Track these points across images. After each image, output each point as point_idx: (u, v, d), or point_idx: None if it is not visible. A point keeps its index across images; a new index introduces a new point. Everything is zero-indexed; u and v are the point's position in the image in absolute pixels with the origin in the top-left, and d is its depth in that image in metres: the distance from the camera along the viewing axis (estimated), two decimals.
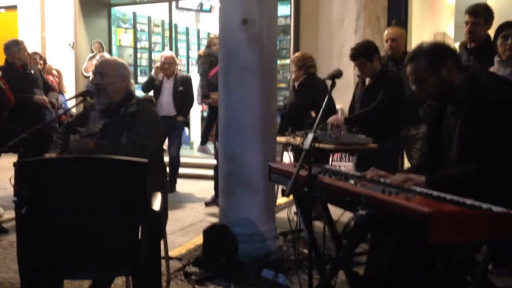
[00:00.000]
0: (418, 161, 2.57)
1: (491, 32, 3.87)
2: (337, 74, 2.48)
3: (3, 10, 9.78)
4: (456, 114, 2.17)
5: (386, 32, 4.63)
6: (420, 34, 7.51)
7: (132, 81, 3.08)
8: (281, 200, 4.95)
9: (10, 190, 5.28)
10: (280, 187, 3.72)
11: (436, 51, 2.14)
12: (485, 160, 1.96)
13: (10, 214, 4.62)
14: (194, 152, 8.28)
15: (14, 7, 9.41)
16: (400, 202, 1.60)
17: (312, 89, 4.72)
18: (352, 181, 1.98)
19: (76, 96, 3.18)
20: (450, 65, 2.10)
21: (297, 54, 5.04)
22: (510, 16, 5.94)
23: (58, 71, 6.14)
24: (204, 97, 6.47)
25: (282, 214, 4.39)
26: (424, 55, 2.13)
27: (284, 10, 7.73)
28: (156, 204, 2.33)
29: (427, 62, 2.11)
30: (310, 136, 2.12)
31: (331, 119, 4.00)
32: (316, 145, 2.14)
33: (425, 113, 3.76)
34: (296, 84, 4.91)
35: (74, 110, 5.22)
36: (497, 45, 3.43)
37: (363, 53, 3.96)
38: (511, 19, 3.59)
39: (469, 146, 2.06)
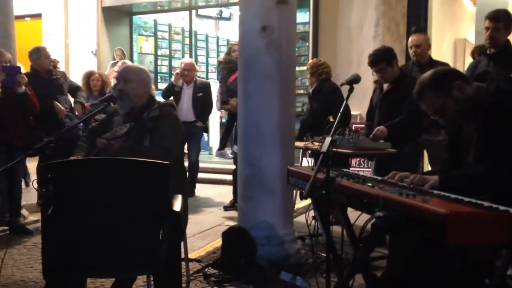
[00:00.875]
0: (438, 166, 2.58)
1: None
2: (355, 79, 2.51)
3: (28, 18, 10.05)
4: (474, 120, 2.18)
5: (410, 39, 4.66)
6: (440, 40, 7.49)
7: (153, 87, 3.16)
8: (299, 204, 4.98)
9: (34, 193, 5.43)
10: (299, 191, 3.75)
11: (438, 78, 2.16)
12: (497, 160, 1.97)
13: (34, 216, 4.74)
14: (213, 157, 8.36)
15: (39, 16, 9.67)
16: (417, 204, 1.63)
17: (324, 95, 4.82)
18: (369, 184, 2.00)
19: (100, 101, 3.27)
20: (457, 84, 2.12)
21: (311, 61, 5.16)
22: None
23: (101, 74, 6.23)
24: (223, 103, 6.54)
25: (300, 219, 4.41)
26: (428, 87, 2.16)
27: (303, 17, 7.78)
28: (177, 206, 2.38)
29: (435, 92, 2.14)
30: (328, 140, 2.15)
31: (377, 132, 3.89)
32: (334, 149, 2.17)
33: None
34: (311, 90, 5.04)
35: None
36: None
37: (383, 58, 3.97)
38: None
39: (486, 150, 2.07)
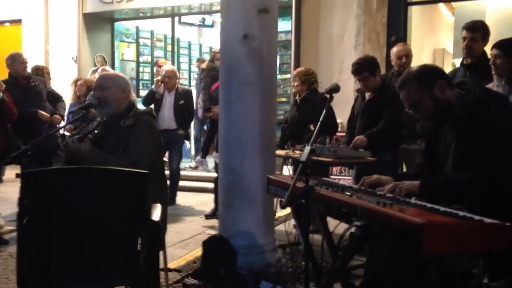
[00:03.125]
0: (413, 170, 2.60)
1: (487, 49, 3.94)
2: (335, 89, 2.53)
3: (7, 24, 9.90)
4: (452, 129, 2.22)
5: (396, 49, 4.68)
6: (419, 50, 7.60)
7: (133, 93, 3.14)
8: (280, 213, 4.97)
9: (11, 202, 5.33)
10: (279, 200, 3.75)
11: (424, 73, 2.19)
12: (480, 170, 2.00)
13: (11, 225, 4.65)
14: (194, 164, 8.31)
15: (18, 21, 9.53)
16: (394, 213, 1.64)
17: (314, 104, 4.77)
18: (348, 193, 2.01)
19: (79, 109, 3.23)
20: (441, 84, 2.15)
21: (300, 69, 5.00)
22: (507, 33, 6.02)
23: (86, 80, 6.23)
24: (206, 111, 6.53)
25: (281, 227, 4.41)
26: (413, 78, 2.18)
27: (285, 26, 7.83)
28: (156, 215, 2.36)
29: (418, 84, 2.16)
30: (308, 149, 2.16)
31: (357, 141, 3.93)
32: (315, 158, 2.18)
33: (422, 127, 3.80)
34: (298, 98, 4.89)
35: None
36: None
37: (366, 66, 4.02)
38: (507, 36, 3.66)
39: (464, 160, 2.10)
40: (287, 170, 4.76)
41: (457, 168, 2.14)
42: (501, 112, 2.10)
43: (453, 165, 2.18)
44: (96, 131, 2.75)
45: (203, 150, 7.17)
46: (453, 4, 8.24)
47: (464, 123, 2.13)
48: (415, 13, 7.20)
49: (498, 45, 3.43)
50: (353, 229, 1.83)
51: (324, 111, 2.48)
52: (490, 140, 2.03)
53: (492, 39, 3.97)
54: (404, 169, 4.81)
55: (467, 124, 2.10)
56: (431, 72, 2.20)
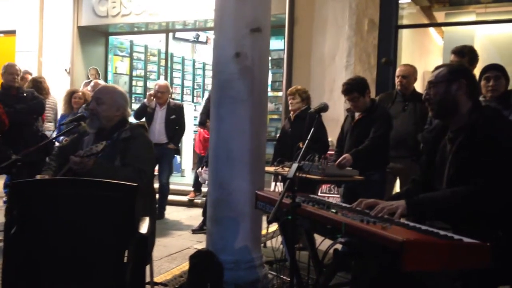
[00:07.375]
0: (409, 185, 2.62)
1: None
2: (323, 108, 2.60)
3: (1, 34, 9.93)
4: (452, 140, 2.26)
5: (398, 68, 4.77)
6: None
7: (129, 110, 3.16)
8: (270, 228, 4.98)
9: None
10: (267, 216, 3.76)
11: (458, 68, 2.31)
12: (475, 183, 2.01)
13: None
14: (185, 179, 8.33)
15: (13, 32, 9.57)
16: (376, 231, 1.68)
17: (311, 121, 4.77)
18: (333, 210, 2.05)
19: (71, 121, 3.26)
20: (462, 84, 2.21)
21: (298, 87, 5.00)
22: (495, 58, 6.17)
23: (84, 93, 6.32)
24: (201, 124, 6.58)
25: (269, 243, 4.43)
26: (448, 66, 2.30)
27: (278, 44, 7.96)
28: (144, 228, 2.38)
29: (446, 72, 2.25)
30: (295, 166, 2.20)
31: (343, 161, 3.93)
32: (303, 175, 2.22)
33: (424, 138, 3.91)
34: (293, 115, 4.89)
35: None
36: (481, 86, 3.60)
37: (356, 87, 4.09)
38: (495, 61, 3.77)
39: (461, 171, 2.13)
40: (277, 187, 4.79)
41: (452, 179, 2.16)
42: (506, 128, 2.15)
43: (448, 176, 2.20)
44: (100, 155, 2.76)
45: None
46: (443, 28, 8.41)
47: (466, 135, 2.15)
48: (406, 36, 7.34)
49: (495, 67, 3.56)
50: (337, 246, 1.86)
51: (312, 129, 2.53)
52: (491, 154, 2.04)
53: (481, 63, 4.07)
54: (396, 187, 4.85)
55: (470, 136, 2.13)
56: (462, 71, 2.30)
